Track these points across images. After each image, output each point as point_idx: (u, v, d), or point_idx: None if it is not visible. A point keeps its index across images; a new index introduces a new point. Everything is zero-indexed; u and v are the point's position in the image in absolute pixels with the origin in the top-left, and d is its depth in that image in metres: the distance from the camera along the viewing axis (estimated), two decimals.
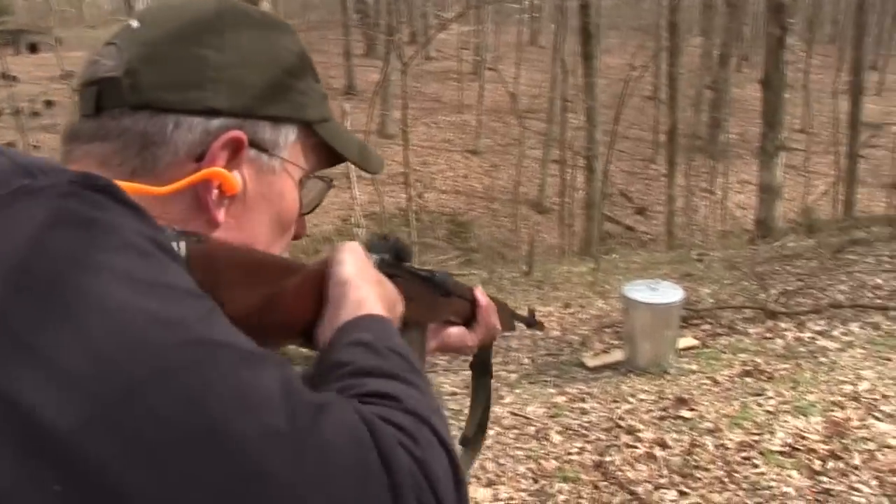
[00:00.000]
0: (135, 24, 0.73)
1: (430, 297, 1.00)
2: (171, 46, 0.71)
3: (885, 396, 4.50)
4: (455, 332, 1.10)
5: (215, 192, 0.71)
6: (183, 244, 0.62)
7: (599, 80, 15.36)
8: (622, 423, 4.67)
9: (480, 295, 1.14)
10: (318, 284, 0.77)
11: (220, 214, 0.72)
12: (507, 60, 25.65)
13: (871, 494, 3.53)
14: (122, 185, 0.62)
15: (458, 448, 1.17)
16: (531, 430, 4.82)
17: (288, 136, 0.76)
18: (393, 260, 0.92)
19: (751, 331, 6.17)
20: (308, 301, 0.76)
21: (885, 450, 3.90)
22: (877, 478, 3.66)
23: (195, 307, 0.56)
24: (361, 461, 0.56)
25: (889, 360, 5.10)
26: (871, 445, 3.96)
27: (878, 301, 6.34)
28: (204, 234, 0.68)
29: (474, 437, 1.20)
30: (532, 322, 1.39)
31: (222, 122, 0.71)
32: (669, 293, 5.85)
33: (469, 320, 1.12)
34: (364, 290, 0.77)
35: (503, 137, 22.03)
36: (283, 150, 0.76)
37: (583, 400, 5.27)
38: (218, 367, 0.52)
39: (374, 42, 26.38)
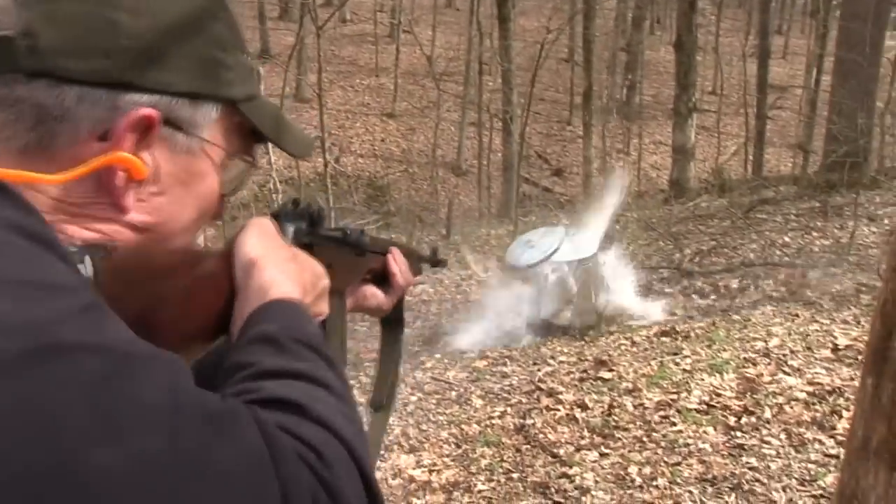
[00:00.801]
0: None
1: (347, 259, 0.93)
2: (79, 5, 0.60)
3: (793, 351, 4.63)
4: (371, 291, 1.03)
5: (121, 175, 0.62)
6: (88, 260, 0.57)
7: (515, 43, 15.30)
8: (543, 386, 4.67)
9: (396, 253, 1.07)
10: (227, 271, 0.69)
11: (129, 200, 0.63)
12: (424, 23, 25.33)
13: (780, 447, 3.63)
14: (8, 172, 0.57)
15: (368, 412, 1.08)
16: (452, 394, 4.79)
17: (209, 115, 0.67)
18: (308, 227, 0.84)
19: (667, 290, 6.28)
20: (218, 292, 0.69)
21: (793, 403, 4.01)
22: (785, 430, 3.76)
23: (62, 306, 0.48)
24: (256, 487, 0.49)
25: (797, 315, 5.26)
26: (781, 399, 4.07)
27: (787, 259, 6.54)
28: (110, 242, 0.62)
29: (388, 398, 1.12)
30: (437, 261, 1.31)
31: (133, 98, 0.61)
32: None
33: (383, 276, 1.05)
34: (270, 270, 0.69)
35: (420, 100, 21.82)
36: (203, 130, 0.67)
37: (504, 364, 5.27)
38: (76, 380, 0.44)
39: (289, 5, 25.65)
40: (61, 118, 0.59)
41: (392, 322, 1.16)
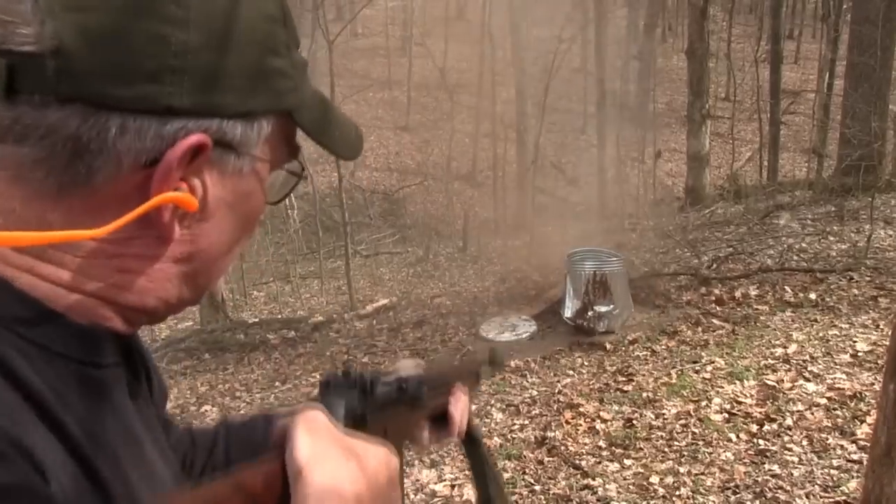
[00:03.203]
0: None
1: (404, 415, 0.85)
2: (119, 17, 0.50)
3: (812, 357, 4.63)
4: (427, 434, 0.96)
5: (168, 208, 0.56)
6: None
7: (528, 53, 15.36)
8: (563, 398, 4.69)
9: (458, 395, 0.97)
10: (282, 476, 0.59)
11: (175, 231, 0.57)
12: (436, 35, 25.46)
13: (802, 453, 3.63)
14: (34, 236, 0.50)
15: None
16: (473, 407, 4.81)
17: (261, 131, 0.59)
18: (361, 398, 0.76)
19: (685, 298, 6.28)
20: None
21: (814, 408, 4.01)
22: (807, 436, 3.76)
23: None
24: None
25: (815, 321, 5.25)
26: (802, 405, 4.07)
27: (804, 264, 6.52)
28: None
29: None
30: (496, 366, 1.24)
31: (182, 125, 0.53)
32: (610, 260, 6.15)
33: (442, 415, 0.96)
34: (317, 482, 0.55)
35: (433, 113, 21.91)
36: (255, 147, 0.59)
37: (524, 375, 5.29)
38: None
39: (300, 19, 25.88)
40: (100, 151, 0.51)
41: (469, 440, 1.05)
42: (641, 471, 3.71)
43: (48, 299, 0.54)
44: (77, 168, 0.51)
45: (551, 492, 3.63)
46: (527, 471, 3.87)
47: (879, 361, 4.40)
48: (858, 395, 4.05)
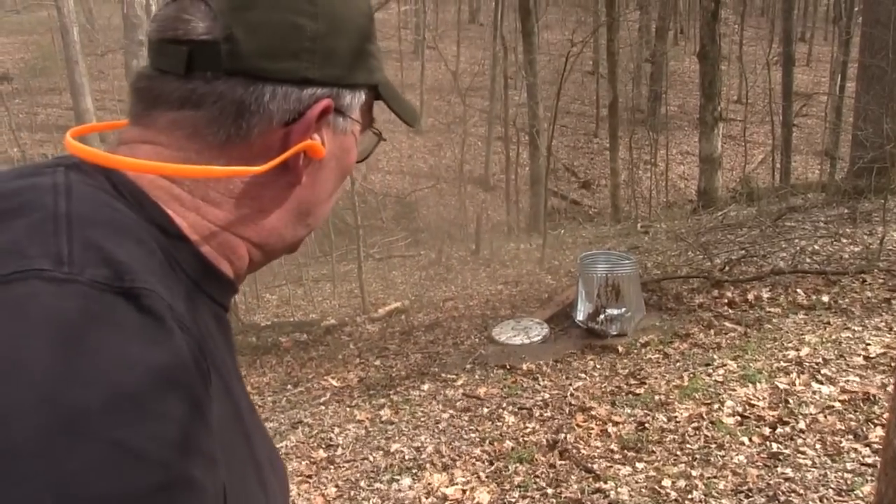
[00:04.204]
0: None
1: None
2: (269, 13, 0.69)
3: (825, 360, 4.61)
4: None
5: (302, 156, 0.72)
6: None
7: (540, 57, 15.36)
8: (575, 401, 4.70)
9: None
10: None
11: (303, 176, 0.74)
12: (448, 39, 25.53)
13: (815, 456, 3.62)
14: (222, 170, 0.67)
15: None
16: (484, 411, 4.83)
17: (360, 99, 0.77)
18: None
19: (697, 301, 6.27)
20: None
21: (827, 411, 4.00)
22: (820, 440, 3.75)
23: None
24: None
25: (828, 323, 5.23)
26: (814, 409, 4.05)
27: (817, 266, 6.49)
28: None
29: None
30: None
31: (313, 92, 0.71)
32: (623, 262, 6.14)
33: None
34: None
35: (446, 116, 21.94)
36: (355, 112, 0.77)
37: (536, 379, 5.29)
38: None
39: None
40: (257, 111, 0.68)
41: None
42: (653, 474, 3.71)
43: (203, 239, 0.69)
44: (240, 125, 0.68)
45: (563, 495, 3.63)
46: (539, 474, 3.88)
47: (893, 364, 4.38)
48: (872, 397, 4.03)
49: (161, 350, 0.53)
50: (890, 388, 4.02)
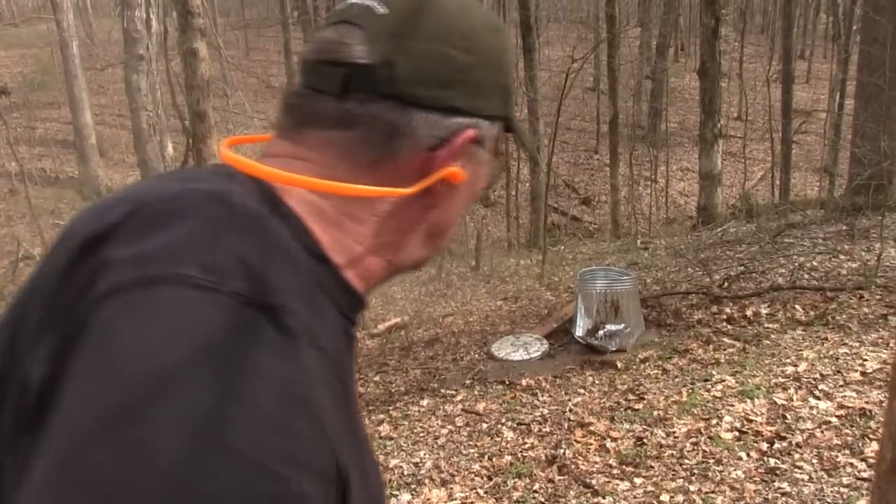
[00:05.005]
0: (381, 9, 0.72)
1: None
2: (426, 43, 0.71)
3: (823, 375, 4.63)
4: None
5: (442, 182, 0.75)
6: None
7: (541, 73, 15.46)
8: (573, 417, 4.71)
9: None
10: None
11: (442, 201, 0.76)
12: None
13: (812, 471, 3.63)
14: (377, 190, 0.70)
15: None
16: (483, 426, 4.84)
17: (496, 130, 0.79)
18: None
19: (696, 316, 6.30)
20: None
21: (824, 427, 4.02)
22: (817, 455, 3.76)
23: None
24: None
25: (826, 339, 5.26)
26: (812, 424, 4.07)
27: (815, 282, 6.52)
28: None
29: None
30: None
31: (459, 121, 0.73)
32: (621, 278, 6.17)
33: None
34: None
35: None
36: (490, 143, 0.80)
37: (534, 394, 5.31)
38: None
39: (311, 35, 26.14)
40: (407, 135, 0.71)
41: None
42: (652, 489, 3.73)
43: (343, 256, 0.71)
44: (390, 147, 0.71)
45: None
46: (537, 489, 3.90)
47: (889, 379, 4.40)
48: (868, 413, 4.05)
49: (294, 368, 0.55)
50: (886, 404, 4.04)
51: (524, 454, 4.32)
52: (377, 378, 6.59)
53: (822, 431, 3.97)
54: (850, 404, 4.19)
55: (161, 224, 0.59)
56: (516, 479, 4.02)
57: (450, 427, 4.93)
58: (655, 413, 4.54)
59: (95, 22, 29.10)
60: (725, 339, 5.67)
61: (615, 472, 3.95)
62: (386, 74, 0.69)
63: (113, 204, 0.64)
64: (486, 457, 4.36)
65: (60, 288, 0.58)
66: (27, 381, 0.55)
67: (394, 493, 4.12)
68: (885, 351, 4.84)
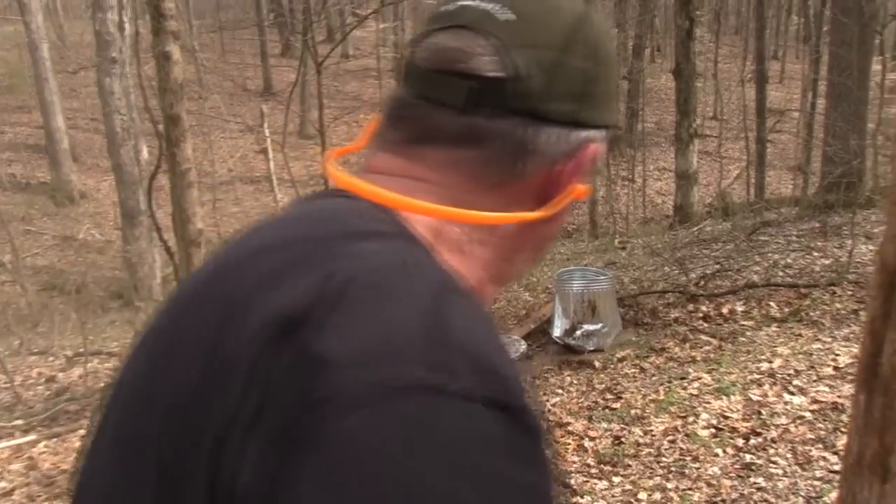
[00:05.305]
0: (504, 14, 0.66)
1: None
2: (557, 54, 0.66)
3: (797, 371, 4.70)
4: None
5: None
6: None
7: None
8: (552, 417, 4.74)
9: None
10: None
11: (558, 217, 0.72)
12: None
13: (787, 465, 3.68)
14: (520, 216, 0.66)
15: None
16: None
17: (605, 139, 0.74)
18: None
19: (673, 315, 6.35)
20: None
21: (798, 421, 4.07)
22: (791, 449, 3.82)
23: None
24: None
25: (800, 335, 5.33)
26: (786, 419, 4.12)
27: (789, 279, 6.60)
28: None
29: None
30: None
31: (585, 135, 0.69)
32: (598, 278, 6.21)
33: None
34: None
35: None
36: (602, 152, 0.75)
37: None
38: None
39: (290, 42, 26.04)
40: (535, 152, 0.65)
41: None
42: (630, 488, 3.76)
43: (467, 281, 0.64)
44: (517, 166, 0.65)
45: None
46: None
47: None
48: (840, 407, 4.11)
49: (543, 473, 0.54)
50: None
51: None
52: None
53: (796, 426, 4.03)
54: (823, 399, 4.25)
55: (368, 309, 0.52)
56: None
57: None
58: (633, 412, 4.57)
59: (66, 24, 28.70)
60: (702, 337, 5.73)
61: (593, 471, 3.98)
62: (518, 88, 0.64)
63: (283, 266, 0.57)
64: None
65: (252, 375, 0.50)
66: (222, 482, 0.49)
67: None
68: (856, 346, 4.91)
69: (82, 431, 5.69)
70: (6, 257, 11.55)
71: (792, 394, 4.41)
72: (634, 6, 21.83)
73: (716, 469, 3.77)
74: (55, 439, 5.65)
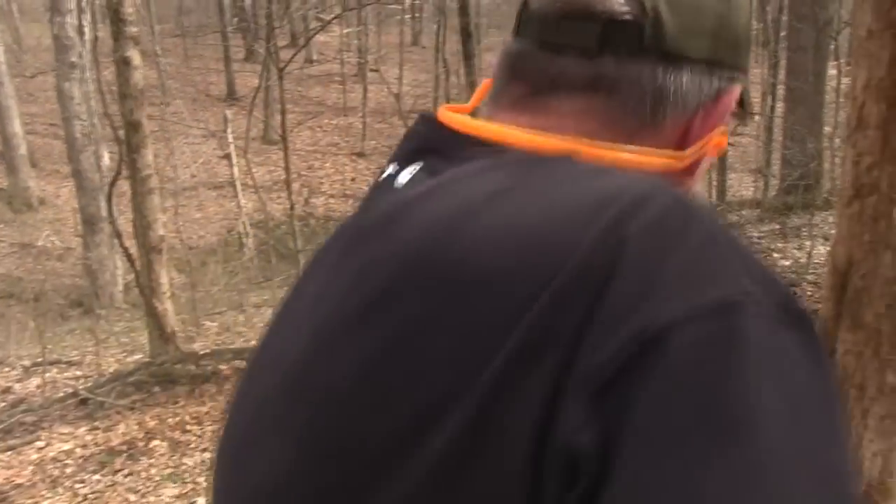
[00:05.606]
0: None
1: None
2: None
3: None
4: None
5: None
6: None
7: (481, 79, 15.54)
8: None
9: None
10: None
11: (697, 169, 0.67)
12: (390, 61, 25.60)
13: None
14: (654, 160, 0.60)
15: None
16: None
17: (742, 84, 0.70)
18: None
19: None
20: None
21: None
22: None
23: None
24: None
25: None
26: None
27: None
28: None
29: None
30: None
31: (723, 75, 0.64)
32: None
33: None
34: None
35: (389, 139, 21.96)
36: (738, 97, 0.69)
37: None
38: None
39: (253, 47, 25.81)
40: (674, 98, 0.61)
41: None
42: None
43: None
44: (656, 112, 0.61)
45: None
46: None
47: None
48: None
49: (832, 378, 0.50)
50: None
51: None
52: None
53: None
54: None
55: (667, 249, 0.47)
56: None
57: None
58: None
59: (23, 27, 28.20)
60: None
61: None
62: (649, 28, 0.60)
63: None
64: None
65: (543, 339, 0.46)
66: (562, 451, 0.44)
67: None
68: None
69: (39, 444, 5.57)
70: None
71: None
72: None
73: None
74: (10, 452, 5.52)
